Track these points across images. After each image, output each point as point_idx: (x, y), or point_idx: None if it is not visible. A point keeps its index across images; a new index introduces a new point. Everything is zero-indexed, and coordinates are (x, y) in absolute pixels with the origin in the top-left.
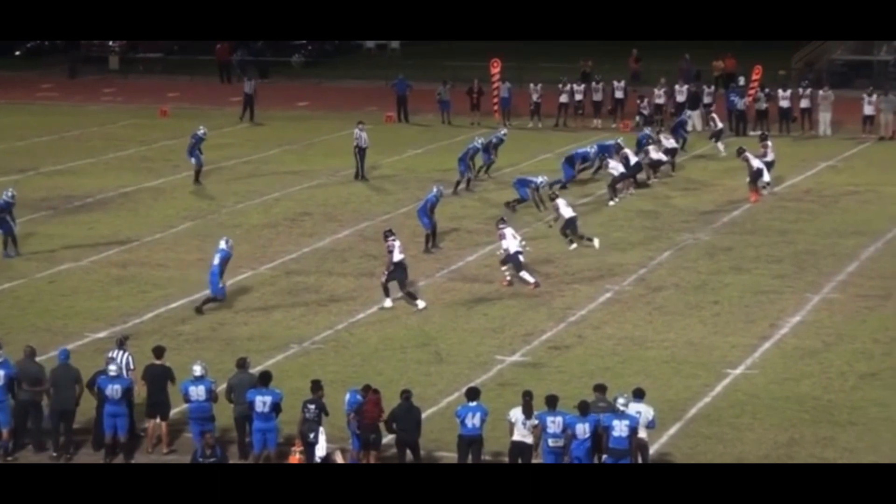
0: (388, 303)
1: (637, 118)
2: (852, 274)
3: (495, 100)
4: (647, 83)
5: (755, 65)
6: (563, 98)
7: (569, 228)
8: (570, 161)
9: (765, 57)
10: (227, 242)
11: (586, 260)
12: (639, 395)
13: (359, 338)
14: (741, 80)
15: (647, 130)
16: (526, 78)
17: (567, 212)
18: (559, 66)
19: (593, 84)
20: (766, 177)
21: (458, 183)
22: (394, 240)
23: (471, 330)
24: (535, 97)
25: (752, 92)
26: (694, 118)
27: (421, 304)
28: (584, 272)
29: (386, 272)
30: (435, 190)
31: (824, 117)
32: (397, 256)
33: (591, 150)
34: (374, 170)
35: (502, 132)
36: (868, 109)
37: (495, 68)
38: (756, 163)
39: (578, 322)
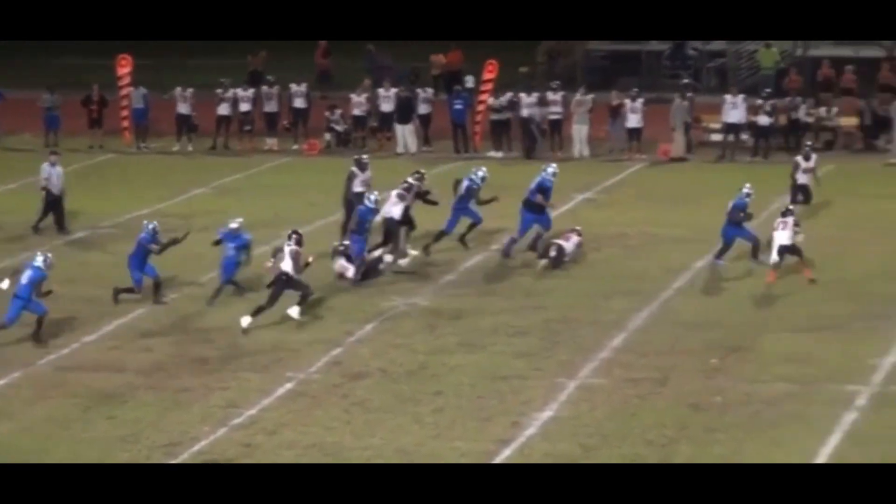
0: None
1: (328, 136)
2: (619, 350)
3: (125, 112)
4: (344, 86)
5: (489, 59)
6: (224, 109)
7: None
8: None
9: (502, 49)
10: None
11: (257, 336)
12: None
13: None
14: (469, 81)
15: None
16: (170, 81)
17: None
18: (219, 63)
19: (264, 89)
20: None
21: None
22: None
23: (89, 441)
24: (182, 108)
25: (484, 97)
26: (406, 136)
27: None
28: (254, 354)
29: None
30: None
31: (580, 131)
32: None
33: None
34: None
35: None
36: (633, 120)
37: (124, 68)
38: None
39: (247, 425)
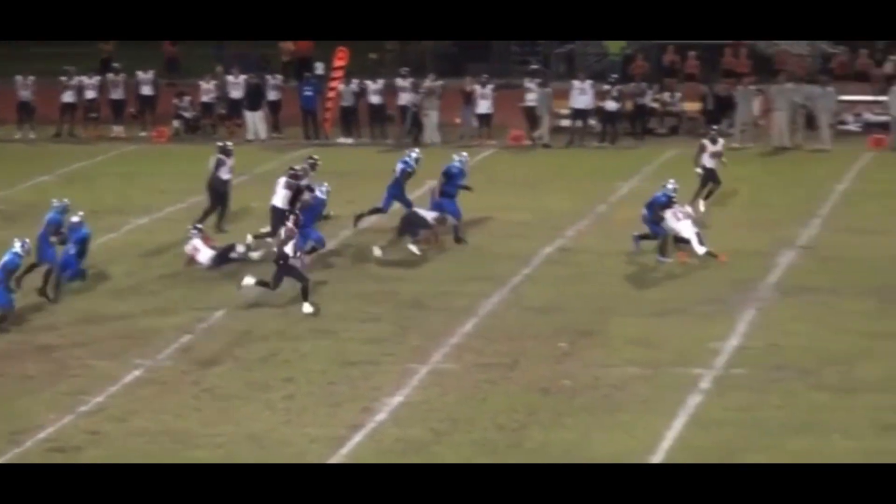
0: None
1: (176, 124)
2: (470, 336)
3: None
4: (192, 73)
5: (338, 46)
6: (68, 97)
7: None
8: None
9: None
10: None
11: (105, 323)
12: None
13: None
14: (319, 68)
15: None
16: (11, 69)
17: None
18: (64, 52)
19: (110, 76)
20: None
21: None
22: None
23: None
24: (24, 95)
25: (334, 84)
26: (256, 121)
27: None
28: (102, 341)
29: None
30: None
31: (431, 118)
32: None
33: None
34: None
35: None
36: (483, 106)
37: None
38: None
39: (94, 413)
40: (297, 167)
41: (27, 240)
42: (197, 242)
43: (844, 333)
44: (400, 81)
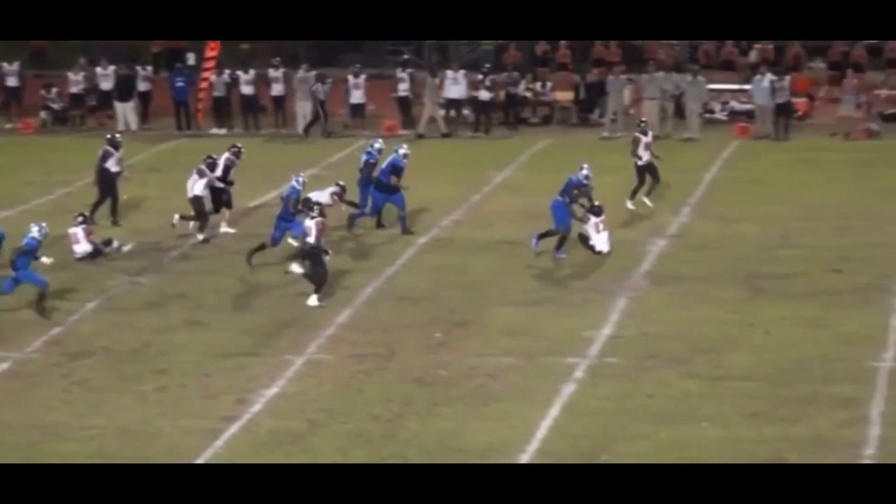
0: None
1: (44, 115)
2: (345, 326)
3: None
4: (60, 64)
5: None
6: None
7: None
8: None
9: None
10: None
11: None
12: None
13: None
14: (191, 59)
15: None
16: None
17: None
18: None
19: None
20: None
21: None
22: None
23: None
24: None
25: (206, 75)
26: (127, 113)
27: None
28: None
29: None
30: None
31: (304, 108)
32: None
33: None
34: None
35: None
36: (356, 96)
37: None
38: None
39: None
40: (214, 155)
41: (44, 223)
42: (79, 232)
43: (714, 321)
44: (272, 72)
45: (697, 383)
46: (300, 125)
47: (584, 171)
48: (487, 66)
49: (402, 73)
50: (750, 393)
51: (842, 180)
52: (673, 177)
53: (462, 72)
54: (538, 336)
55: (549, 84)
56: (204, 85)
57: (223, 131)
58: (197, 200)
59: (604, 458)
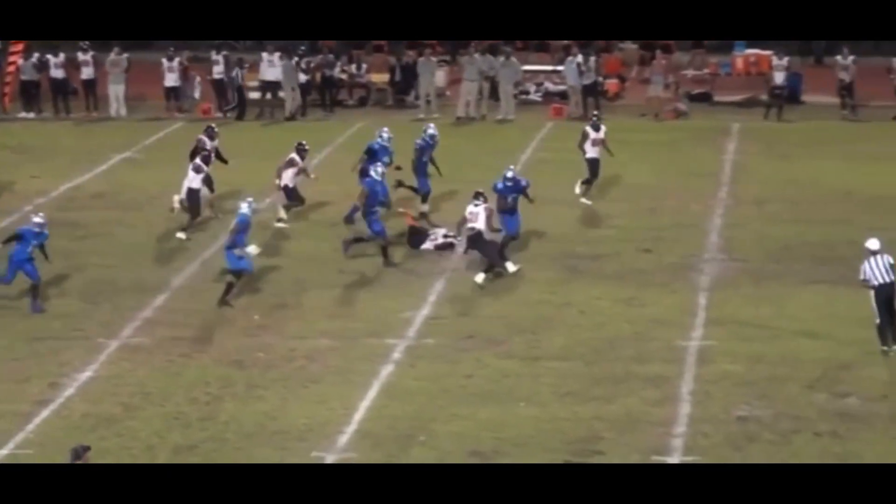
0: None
1: None
2: (162, 310)
3: None
4: None
5: None
6: None
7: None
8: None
9: None
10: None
11: None
12: None
13: None
14: None
15: None
16: None
17: None
18: None
19: None
20: None
21: None
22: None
23: None
24: None
25: (13, 59)
26: None
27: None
28: None
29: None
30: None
31: (116, 90)
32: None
33: None
34: None
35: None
36: (171, 79)
37: None
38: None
39: None
40: (207, 147)
41: (42, 214)
42: None
43: (531, 302)
44: (81, 55)
45: (514, 363)
46: (113, 108)
47: (509, 174)
48: (303, 48)
49: (216, 56)
50: (565, 372)
51: (652, 160)
52: (488, 159)
53: (277, 54)
54: (357, 318)
55: (364, 66)
56: (11, 69)
57: (31, 115)
58: (193, 194)
59: (421, 439)
